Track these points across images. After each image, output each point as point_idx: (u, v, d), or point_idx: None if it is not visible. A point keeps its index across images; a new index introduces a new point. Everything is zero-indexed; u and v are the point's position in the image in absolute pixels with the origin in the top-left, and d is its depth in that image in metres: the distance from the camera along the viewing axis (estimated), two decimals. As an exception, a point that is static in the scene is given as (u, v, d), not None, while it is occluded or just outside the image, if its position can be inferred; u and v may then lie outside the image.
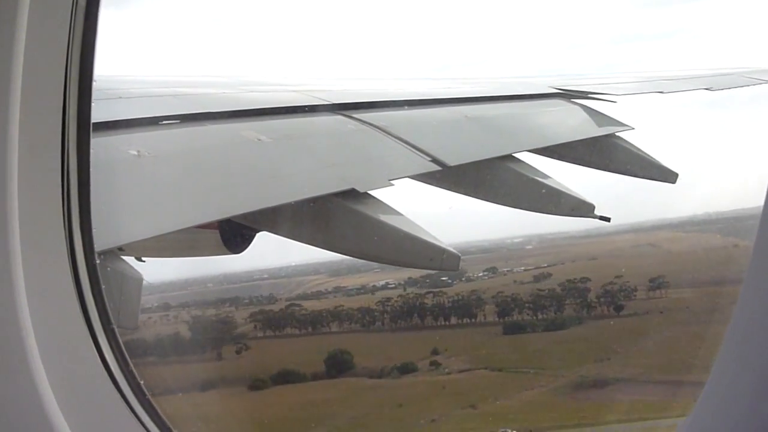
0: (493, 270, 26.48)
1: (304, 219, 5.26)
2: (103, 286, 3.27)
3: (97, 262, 3.27)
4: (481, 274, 26.21)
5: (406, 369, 21.49)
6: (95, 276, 3.23)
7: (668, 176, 7.95)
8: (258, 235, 6.16)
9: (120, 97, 5.37)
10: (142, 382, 3.33)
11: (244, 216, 5.21)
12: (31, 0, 2.77)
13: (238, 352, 23.85)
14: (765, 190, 2.30)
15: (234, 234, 6.25)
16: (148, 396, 3.36)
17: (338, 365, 22.11)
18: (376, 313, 25.01)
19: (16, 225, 2.88)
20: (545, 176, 6.80)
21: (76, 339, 3.17)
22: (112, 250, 3.99)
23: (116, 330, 3.32)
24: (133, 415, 3.27)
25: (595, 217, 6.99)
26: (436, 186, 6.58)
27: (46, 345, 3.00)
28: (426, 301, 25.18)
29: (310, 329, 25.18)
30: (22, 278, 2.91)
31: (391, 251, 5.29)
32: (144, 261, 6.06)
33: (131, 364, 3.33)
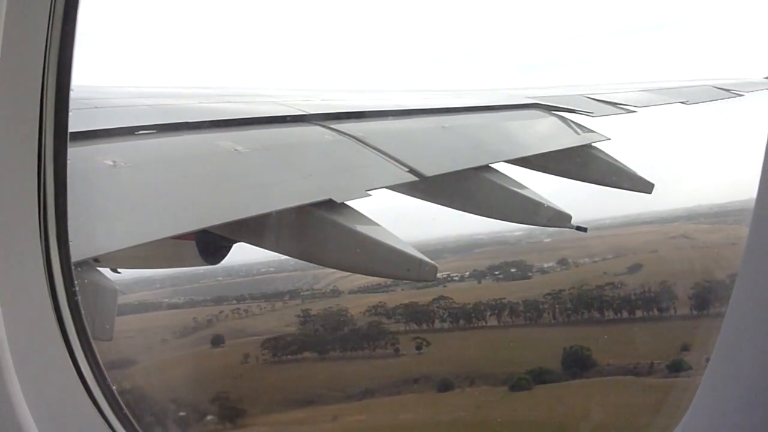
0: (563, 262, 26.39)
1: (282, 229, 5.25)
2: (78, 297, 3.24)
3: (74, 271, 3.25)
4: (552, 265, 26.18)
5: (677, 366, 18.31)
6: (71, 286, 3.21)
7: (644, 186, 8.02)
8: (235, 246, 6.14)
9: (96, 107, 5.33)
10: (117, 394, 3.31)
11: (221, 227, 5.18)
12: (7, 7, 2.75)
13: (418, 348, 23.28)
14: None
15: (211, 245, 6.22)
16: (125, 409, 3.33)
17: (580, 362, 20.20)
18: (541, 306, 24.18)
19: None
20: (522, 186, 6.83)
21: (52, 349, 3.13)
22: (87, 261, 3.96)
23: (92, 341, 3.29)
24: (107, 425, 3.24)
25: (572, 227, 7.03)
26: (413, 196, 6.59)
27: (20, 355, 2.97)
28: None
29: (476, 323, 24.44)
30: None
31: (368, 261, 5.29)
32: (119, 272, 6.03)
33: (107, 377, 3.30)
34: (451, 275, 27.57)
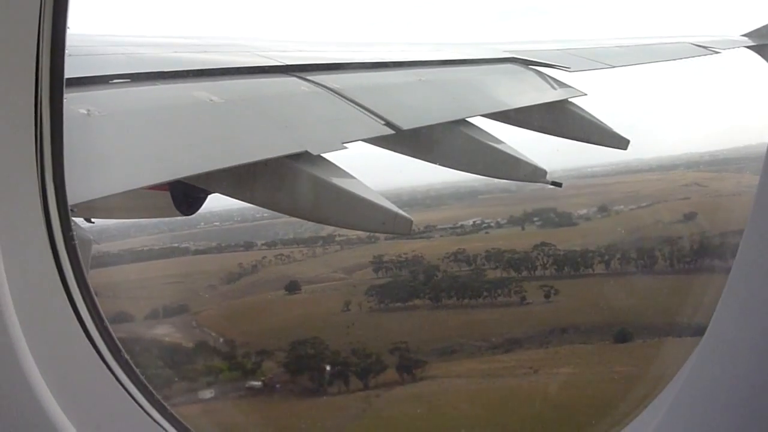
0: (603, 209, 26.24)
1: (257, 181, 5.25)
2: (76, 242, 3.27)
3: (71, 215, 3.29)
4: (589, 212, 26.15)
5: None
6: (69, 234, 3.24)
7: (620, 143, 8.07)
8: (210, 197, 6.14)
9: (70, 55, 5.27)
10: (120, 344, 3.34)
11: (196, 177, 5.17)
12: None
13: (547, 296, 23.03)
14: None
15: (185, 195, 6.22)
16: (125, 354, 3.37)
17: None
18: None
19: None
20: (498, 141, 6.86)
21: (49, 291, 3.16)
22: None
23: (90, 284, 3.32)
24: (115, 380, 3.28)
25: (547, 182, 7.09)
26: (389, 149, 6.60)
27: (20, 299, 2.98)
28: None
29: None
30: None
31: (343, 214, 5.31)
32: (93, 222, 6.01)
33: (108, 325, 3.33)
34: (485, 221, 27.63)
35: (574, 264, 24.36)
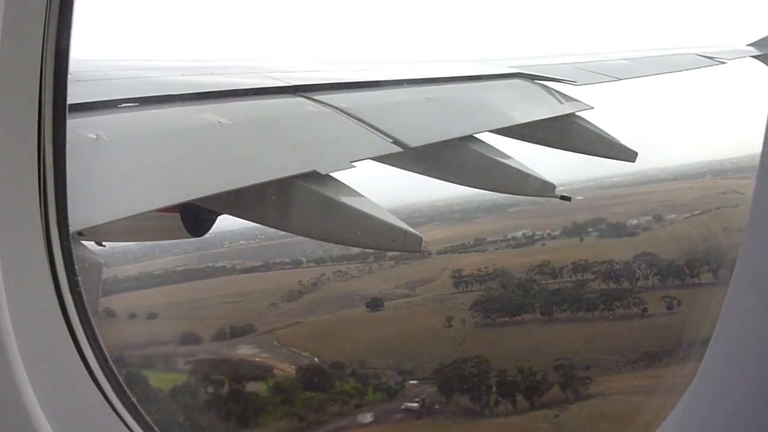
0: (658, 218, 25.98)
1: (266, 202, 5.25)
2: (78, 277, 3.27)
3: (72, 240, 3.29)
4: (644, 221, 25.90)
5: None
6: (69, 256, 3.24)
7: (628, 155, 8.06)
8: (219, 218, 6.15)
9: (78, 80, 5.30)
10: (114, 369, 3.34)
11: (205, 199, 5.18)
12: None
13: (669, 307, 22.28)
14: None
15: (195, 217, 6.23)
16: (125, 388, 3.37)
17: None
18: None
19: None
20: (506, 156, 6.86)
21: (48, 311, 3.16)
22: (71, 234, 3.97)
23: (91, 317, 3.32)
24: (109, 406, 3.27)
25: (556, 197, 7.09)
26: (397, 167, 6.61)
27: (19, 320, 2.98)
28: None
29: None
30: None
31: (353, 233, 5.30)
32: (104, 246, 6.02)
33: (107, 355, 3.33)
34: (535, 232, 27.33)
35: (679, 273, 23.77)
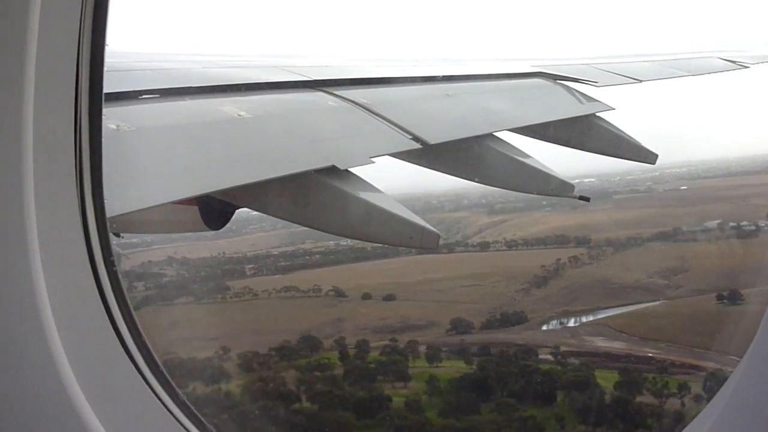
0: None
1: (284, 196, 5.24)
2: (115, 260, 3.30)
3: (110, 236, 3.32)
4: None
5: None
6: (108, 247, 3.28)
7: (648, 157, 8.01)
8: (237, 211, 6.14)
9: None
10: (149, 344, 3.36)
11: (224, 192, 5.18)
12: None
13: None
14: None
15: (213, 210, 6.23)
16: (160, 365, 3.38)
17: None
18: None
19: (32, 197, 2.90)
20: (526, 155, 6.83)
21: (89, 305, 3.18)
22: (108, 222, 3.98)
23: (129, 301, 3.34)
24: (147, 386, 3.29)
25: (575, 197, 7.05)
26: (416, 164, 6.59)
27: (62, 317, 3.01)
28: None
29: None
30: (37, 247, 2.93)
31: (370, 228, 5.29)
32: (122, 236, 6.04)
33: (145, 337, 3.35)
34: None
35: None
